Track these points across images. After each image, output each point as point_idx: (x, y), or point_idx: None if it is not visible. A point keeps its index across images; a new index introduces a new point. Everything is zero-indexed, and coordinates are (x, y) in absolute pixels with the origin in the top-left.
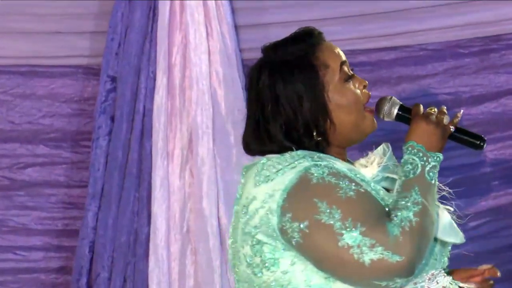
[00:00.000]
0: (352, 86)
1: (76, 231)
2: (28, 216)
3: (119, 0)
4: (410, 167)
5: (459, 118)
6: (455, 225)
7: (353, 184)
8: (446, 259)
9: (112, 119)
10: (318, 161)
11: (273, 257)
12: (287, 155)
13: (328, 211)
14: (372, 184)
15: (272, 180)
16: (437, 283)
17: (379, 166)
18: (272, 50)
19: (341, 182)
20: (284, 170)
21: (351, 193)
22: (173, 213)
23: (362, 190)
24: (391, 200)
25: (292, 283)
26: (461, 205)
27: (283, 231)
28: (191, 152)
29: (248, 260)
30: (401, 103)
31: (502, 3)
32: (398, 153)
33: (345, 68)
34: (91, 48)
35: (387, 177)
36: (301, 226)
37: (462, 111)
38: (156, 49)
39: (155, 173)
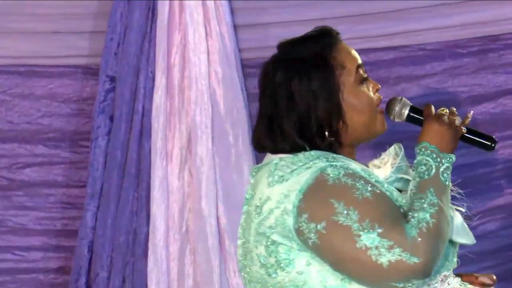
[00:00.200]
0: (366, 89)
1: (75, 231)
2: (27, 216)
3: (118, 0)
4: (424, 168)
5: (470, 119)
6: (466, 226)
7: (369, 185)
8: (455, 260)
9: (111, 119)
10: (333, 161)
11: (288, 258)
12: (301, 155)
13: (345, 212)
14: (386, 185)
15: (286, 180)
16: (448, 284)
17: (392, 167)
18: (289, 47)
19: (357, 183)
20: (299, 170)
21: (368, 194)
22: (172, 213)
23: (378, 191)
24: (404, 201)
25: (307, 284)
26: (472, 205)
27: (299, 232)
28: (190, 152)
29: (262, 261)
30: (411, 104)
31: (501, 3)
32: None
33: (361, 71)
34: (90, 48)
35: (400, 178)
36: (318, 227)
37: (472, 112)
38: (155, 49)
39: (154, 173)
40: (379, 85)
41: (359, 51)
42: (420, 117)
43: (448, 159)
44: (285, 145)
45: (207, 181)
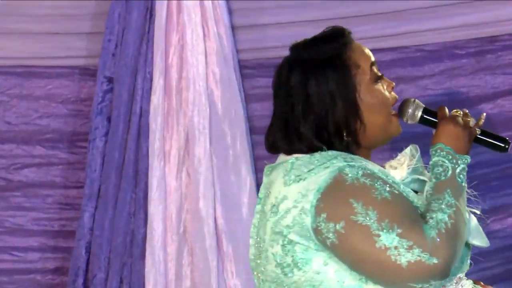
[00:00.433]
0: (381, 87)
1: (72, 232)
2: (25, 217)
3: (115, 0)
4: (440, 169)
5: (483, 120)
6: (480, 228)
7: (387, 185)
8: (469, 262)
9: (109, 119)
10: (351, 161)
11: (305, 257)
12: (317, 155)
13: (364, 212)
14: (402, 186)
15: (304, 179)
16: (462, 286)
17: (408, 168)
18: (303, 48)
19: (375, 183)
20: (317, 170)
21: (386, 194)
22: (170, 213)
23: (396, 192)
24: (420, 203)
25: (324, 284)
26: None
27: (317, 231)
28: (188, 153)
29: (278, 260)
30: (424, 105)
31: (498, 4)
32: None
33: (375, 69)
34: (88, 49)
35: (416, 179)
36: (337, 227)
37: (485, 114)
38: (153, 50)
39: (152, 174)
40: (394, 83)
41: None
42: (433, 119)
43: (463, 160)
44: (302, 146)
45: (205, 182)
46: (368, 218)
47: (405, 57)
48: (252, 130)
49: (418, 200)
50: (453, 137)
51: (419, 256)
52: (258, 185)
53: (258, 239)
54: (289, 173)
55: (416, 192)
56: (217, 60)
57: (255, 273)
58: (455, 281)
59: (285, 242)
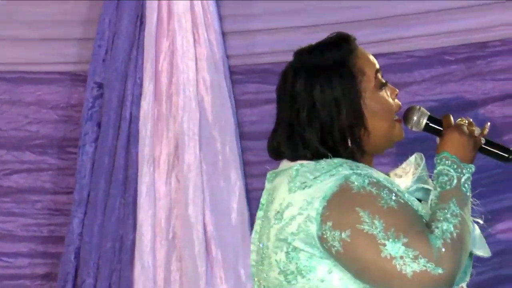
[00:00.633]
0: (385, 94)
1: (61, 238)
2: (14, 222)
3: (106, 7)
4: (446, 178)
5: (487, 130)
6: (483, 238)
7: (393, 194)
8: (471, 271)
9: (99, 125)
10: (357, 169)
11: (309, 265)
12: (323, 162)
13: (370, 220)
14: (407, 195)
15: (309, 187)
16: None
17: (413, 177)
18: (308, 54)
19: (381, 192)
20: (323, 177)
21: (392, 203)
22: (159, 219)
23: (402, 201)
24: (424, 212)
25: None
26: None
27: (322, 239)
28: (178, 159)
29: (281, 267)
30: (429, 113)
31: (488, 10)
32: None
33: (379, 76)
34: (78, 55)
35: (421, 188)
36: (343, 235)
37: (489, 123)
38: (143, 56)
39: (141, 180)
40: (397, 90)
41: None
42: (438, 127)
43: (468, 169)
44: (307, 153)
45: (194, 187)
46: (374, 227)
47: (395, 63)
48: (241, 136)
49: (422, 209)
50: (458, 146)
51: (424, 266)
52: (247, 190)
53: (261, 245)
54: (294, 180)
55: (420, 200)
56: (207, 66)
57: (256, 279)
58: None
59: (289, 249)
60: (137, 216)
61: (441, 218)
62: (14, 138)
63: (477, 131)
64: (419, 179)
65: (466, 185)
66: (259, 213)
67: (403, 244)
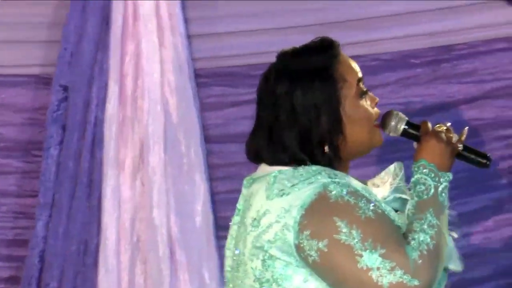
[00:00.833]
0: (365, 103)
1: (26, 241)
2: None
3: (72, 9)
4: (423, 187)
5: (465, 136)
6: (456, 251)
7: (371, 204)
8: (445, 284)
9: (64, 128)
10: (335, 178)
11: (285, 273)
12: (301, 169)
13: (347, 230)
14: (384, 205)
15: (287, 194)
16: None
17: (391, 187)
18: (291, 57)
19: (359, 202)
20: (301, 185)
21: (370, 213)
22: (124, 222)
23: (380, 211)
24: (401, 221)
25: None
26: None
27: (299, 248)
28: (142, 162)
29: (257, 275)
30: (407, 118)
31: (454, 13)
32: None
33: (361, 84)
34: (44, 58)
35: (398, 198)
36: (320, 245)
37: (467, 128)
38: (108, 59)
39: (106, 183)
40: (378, 98)
41: None
42: (416, 133)
43: (446, 178)
44: (285, 157)
45: (159, 190)
46: (351, 237)
47: (361, 66)
48: (206, 139)
49: (399, 219)
50: (436, 153)
51: (401, 277)
52: (212, 194)
53: (237, 251)
54: (272, 187)
55: (396, 211)
56: (172, 69)
57: (230, 285)
58: None
59: (266, 257)
60: (102, 219)
61: (418, 229)
62: None
63: (455, 137)
64: (396, 189)
65: (443, 194)
66: (235, 219)
67: (380, 255)
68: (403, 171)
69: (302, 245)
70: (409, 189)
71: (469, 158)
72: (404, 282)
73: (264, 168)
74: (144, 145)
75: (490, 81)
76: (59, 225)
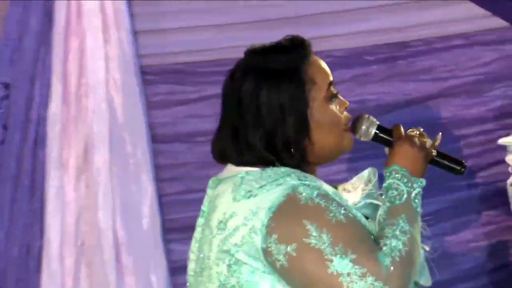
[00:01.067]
0: (334, 107)
1: None
2: None
3: (13, 5)
4: (395, 192)
5: (439, 142)
6: (426, 265)
7: (342, 208)
8: None
9: (5, 127)
10: (305, 180)
11: (250, 279)
12: (269, 170)
13: (317, 234)
14: (354, 210)
15: (254, 196)
16: None
17: (362, 193)
18: (259, 55)
19: (330, 205)
20: (269, 186)
21: (341, 217)
22: (67, 225)
23: (351, 215)
24: (371, 228)
25: None
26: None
27: (267, 253)
28: (87, 162)
29: (221, 280)
30: (378, 122)
31: (408, 9)
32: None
33: (331, 88)
34: None
35: (369, 204)
36: (288, 249)
37: (440, 133)
38: (51, 56)
39: (49, 184)
40: (348, 103)
41: None
42: (388, 137)
43: (419, 183)
44: (252, 158)
45: (104, 191)
46: (321, 242)
47: None
48: (153, 138)
49: (369, 226)
50: (409, 158)
51: (372, 284)
52: (159, 195)
53: (201, 255)
54: (239, 188)
55: (367, 218)
56: (118, 66)
57: None
58: None
59: (232, 262)
60: (45, 222)
61: (390, 235)
62: None
63: (428, 142)
64: (368, 195)
65: (416, 200)
66: (200, 221)
67: (351, 261)
68: (376, 178)
69: (269, 249)
70: (381, 195)
71: (443, 164)
72: None
73: (230, 169)
74: (89, 144)
75: (448, 78)
76: (1, 228)
